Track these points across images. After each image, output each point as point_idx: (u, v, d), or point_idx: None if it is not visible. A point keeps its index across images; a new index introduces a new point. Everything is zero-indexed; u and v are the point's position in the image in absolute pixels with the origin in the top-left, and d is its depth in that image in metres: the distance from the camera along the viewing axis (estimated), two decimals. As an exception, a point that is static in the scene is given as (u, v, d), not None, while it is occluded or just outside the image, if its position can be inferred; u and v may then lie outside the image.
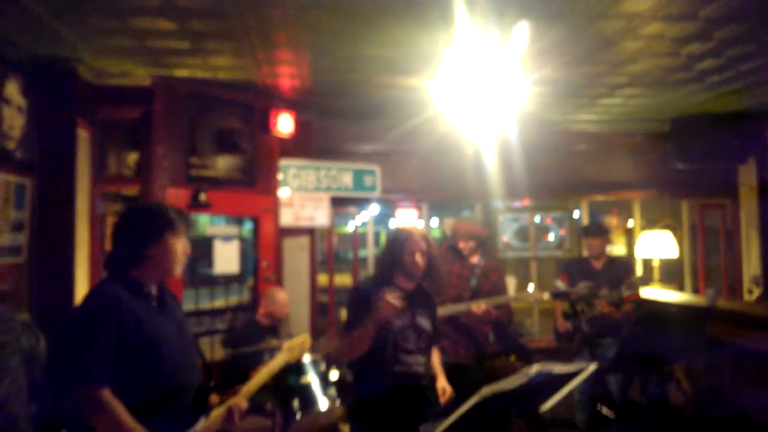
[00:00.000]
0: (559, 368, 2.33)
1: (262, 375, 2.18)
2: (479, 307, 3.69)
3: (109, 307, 1.76)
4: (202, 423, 1.92)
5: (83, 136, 3.55)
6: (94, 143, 3.68)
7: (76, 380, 1.69)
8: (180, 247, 1.95)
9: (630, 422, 4.21)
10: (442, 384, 2.81)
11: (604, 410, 3.40)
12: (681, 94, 4.32)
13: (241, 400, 2.02)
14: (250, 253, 4.61)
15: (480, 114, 3.30)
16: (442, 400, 2.71)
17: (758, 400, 3.53)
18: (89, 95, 3.63)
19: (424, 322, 2.65)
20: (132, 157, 3.87)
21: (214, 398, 2.03)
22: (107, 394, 1.70)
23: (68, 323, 1.79)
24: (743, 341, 3.73)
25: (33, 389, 1.80)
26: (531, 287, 3.88)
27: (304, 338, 2.46)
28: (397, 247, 2.64)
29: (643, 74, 3.84)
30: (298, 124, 4.48)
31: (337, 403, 3.39)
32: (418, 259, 2.60)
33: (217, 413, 1.97)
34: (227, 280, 4.45)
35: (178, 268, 1.96)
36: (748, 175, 5.42)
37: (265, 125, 4.34)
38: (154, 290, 1.95)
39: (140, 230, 1.91)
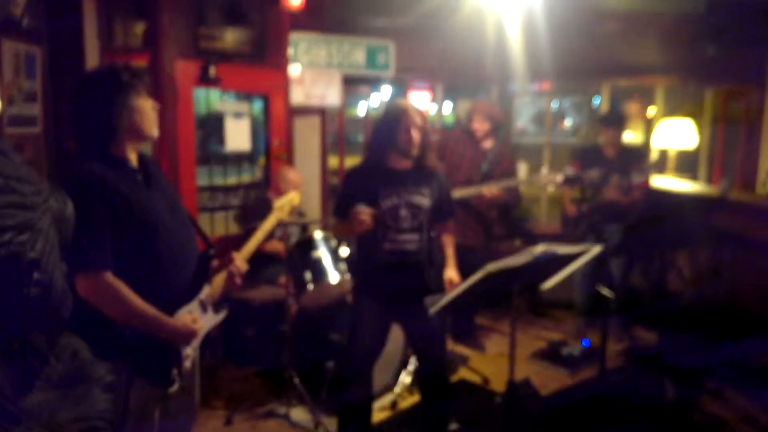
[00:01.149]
0: (563, 249, 2.46)
1: (257, 236, 2.29)
2: (490, 190, 3.81)
3: (96, 189, 1.72)
4: (206, 290, 2.01)
5: (89, 5, 3.50)
6: (101, 12, 3.62)
7: (76, 268, 1.68)
8: (148, 104, 1.88)
9: (628, 305, 4.48)
10: (450, 274, 2.84)
11: (604, 291, 3.59)
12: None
13: (240, 262, 2.11)
14: (261, 132, 4.66)
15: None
16: (449, 289, 2.76)
17: (758, 291, 3.70)
18: (92, -41, 3.52)
19: (421, 200, 2.70)
20: (139, 27, 3.82)
21: (215, 264, 2.09)
22: (110, 277, 1.73)
23: None
24: (750, 233, 3.85)
25: (63, 249, 1.96)
26: (544, 170, 3.98)
27: (292, 195, 2.59)
28: (390, 123, 2.64)
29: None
30: (310, -6, 4.34)
31: (347, 277, 3.62)
32: (414, 134, 2.61)
33: (219, 278, 2.08)
34: (239, 158, 4.55)
35: (155, 128, 1.91)
36: (780, 63, 5.27)
37: (274, -5, 4.21)
38: (135, 162, 1.89)
39: (104, 100, 1.80)
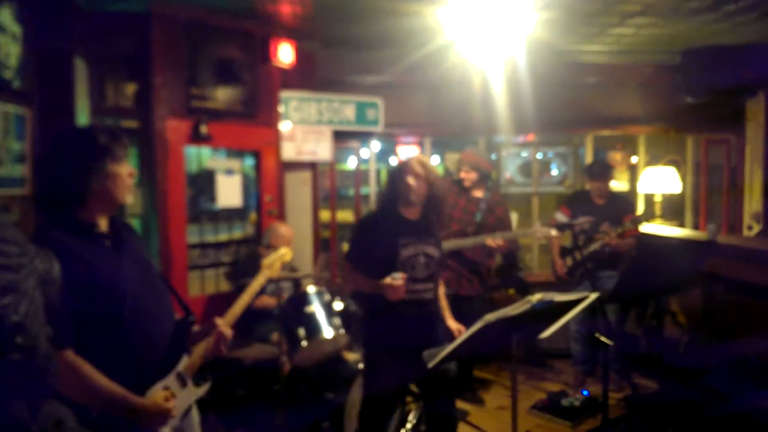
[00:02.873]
0: (560, 297, 2.44)
1: (243, 299, 2.14)
2: (496, 241, 3.79)
3: (58, 261, 1.61)
4: (184, 362, 1.86)
5: (80, 65, 3.52)
6: (92, 73, 3.64)
7: None
8: (125, 171, 1.75)
9: (625, 352, 4.40)
10: (455, 325, 2.86)
11: (602, 338, 3.53)
12: (694, 24, 4.25)
13: (224, 328, 1.95)
14: (252, 188, 4.66)
15: (489, 42, 3.27)
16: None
17: (752, 335, 3.67)
18: (85, 23, 3.56)
19: (432, 250, 2.77)
20: (130, 88, 3.84)
21: (197, 329, 1.94)
22: (69, 355, 1.56)
23: None
24: (740, 275, 3.84)
25: (49, 312, 1.86)
26: (538, 224, 3.99)
27: (283, 252, 2.43)
28: (395, 175, 2.77)
29: (658, 2, 3.77)
30: (300, 54, 4.42)
31: (342, 332, 3.52)
32: (411, 181, 2.70)
33: (200, 347, 1.92)
34: (230, 215, 4.51)
35: (129, 195, 1.78)
36: (755, 110, 5.40)
37: (265, 55, 4.27)
38: (104, 226, 1.76)
39: (77, 162, 1.67)
